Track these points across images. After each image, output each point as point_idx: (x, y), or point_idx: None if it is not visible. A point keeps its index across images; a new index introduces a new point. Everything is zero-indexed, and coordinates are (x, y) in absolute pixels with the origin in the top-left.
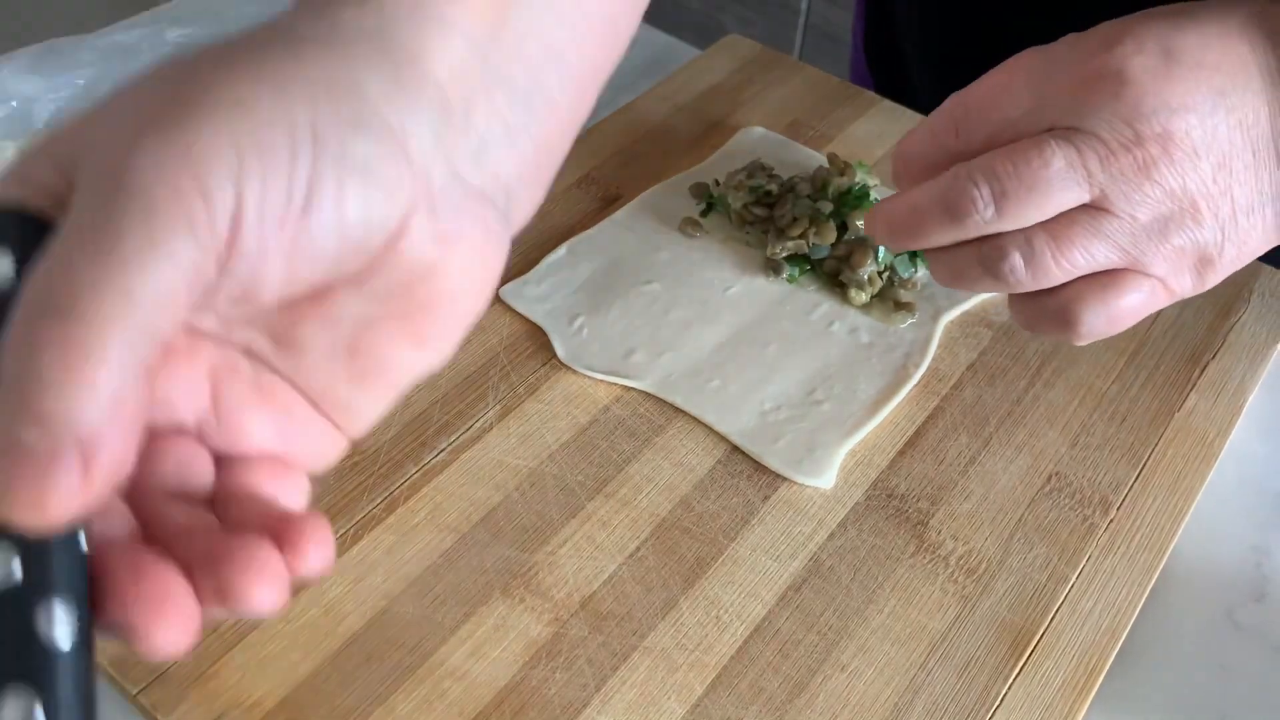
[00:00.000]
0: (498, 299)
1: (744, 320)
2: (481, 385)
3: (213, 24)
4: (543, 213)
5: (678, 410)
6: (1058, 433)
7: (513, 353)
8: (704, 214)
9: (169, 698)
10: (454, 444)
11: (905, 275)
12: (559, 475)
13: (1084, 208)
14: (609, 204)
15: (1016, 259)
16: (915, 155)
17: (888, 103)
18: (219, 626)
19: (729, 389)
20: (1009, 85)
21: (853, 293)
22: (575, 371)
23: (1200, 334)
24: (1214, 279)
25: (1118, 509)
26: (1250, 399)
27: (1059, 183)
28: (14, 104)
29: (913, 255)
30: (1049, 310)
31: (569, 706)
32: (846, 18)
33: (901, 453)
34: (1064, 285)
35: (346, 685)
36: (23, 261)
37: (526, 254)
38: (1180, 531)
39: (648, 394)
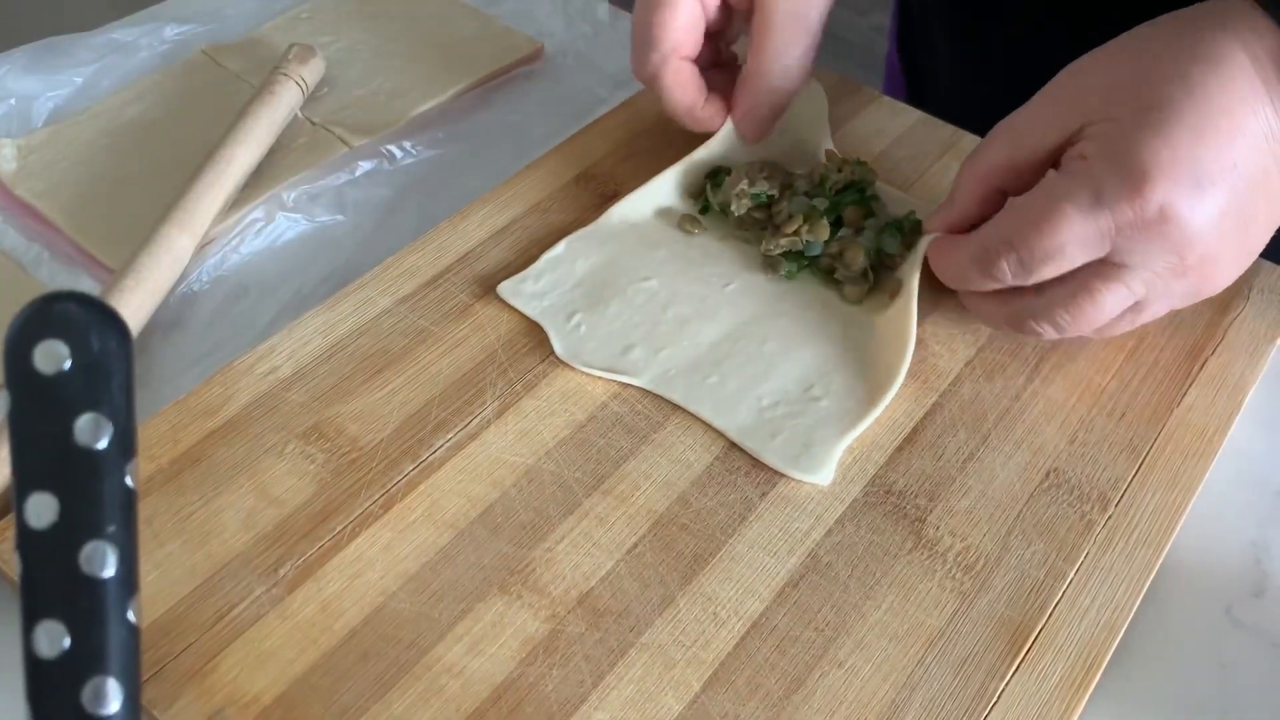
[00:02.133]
0: (494, 296)
1: (742, 317)
2: (479, 382)
3: (211, 22)
4: (541, 209)
5: (675, 407)
6: (1056, 429)
7: (510, 350)
8: (701, 213)
9: (165, 694)
10: (451, 441)
11: (891, 252)
12: (557, 472)
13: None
14: (607, 200)
15: (1048, 331)
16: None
17: (886, 99)
18: (216, 624)
19: (727, 385)
20: (1054, 125)
21: (848, 289)
22: (573, 368)
23: (1199, 329)
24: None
25: (1116, 505)
26: (1249, 394)
27: (1111, 311)
28: (12, 101)
29: (895, 230)
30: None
31: (566, 703)
32: (848, 16)
33: (900, 449)
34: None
35: (343, 681)
36: (79, 350)
37: (524, 251)
38: (1179, 527)
39: (645, 391)
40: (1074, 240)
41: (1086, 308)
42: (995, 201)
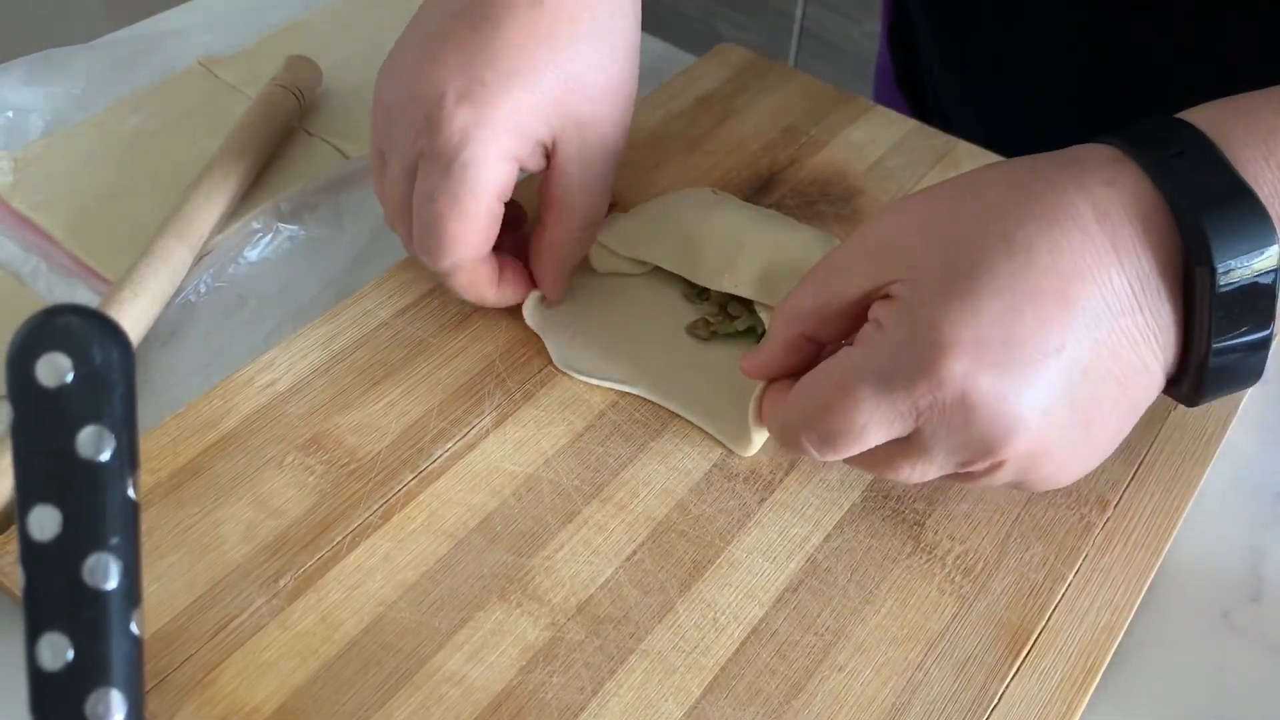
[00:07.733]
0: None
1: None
2: (477, 392)
3: (208, 34)
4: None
5: (673, 414)
6: None
7: (508, 359)
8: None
9: (167, 705)
10: (450, 450)
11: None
12: (555, 480)
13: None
14: None
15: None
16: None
17: (881, 108)
18: (216, 635)
19: (723, 392)
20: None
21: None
22: (571, 377)
23: None
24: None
25: (1114, 508)
26: (1246, 398)
27: (922, 479)
28: (10, 114)
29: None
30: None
31: (566, 710)
32: (842, 24)
33: None
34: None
35: (344, 691)
36: (81, 363)
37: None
38: (1176, 531)
39: (643, 398)
40: (873, 422)
41: (889, 479)
42: (804, 349)
